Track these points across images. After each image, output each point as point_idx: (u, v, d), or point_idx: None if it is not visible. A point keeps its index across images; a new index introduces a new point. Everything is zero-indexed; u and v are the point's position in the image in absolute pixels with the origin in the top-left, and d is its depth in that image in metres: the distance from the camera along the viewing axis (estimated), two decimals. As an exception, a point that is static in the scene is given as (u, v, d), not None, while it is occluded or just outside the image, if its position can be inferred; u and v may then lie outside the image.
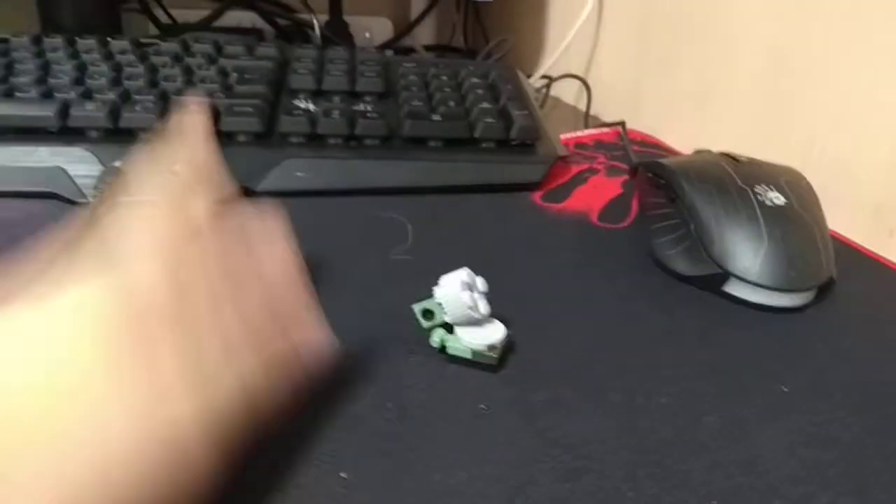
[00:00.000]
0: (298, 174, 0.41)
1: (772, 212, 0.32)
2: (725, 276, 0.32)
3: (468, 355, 0.26)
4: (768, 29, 0.46)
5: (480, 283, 0.27)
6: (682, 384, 0.26)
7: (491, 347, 0.26)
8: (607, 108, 0.62)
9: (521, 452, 0.22)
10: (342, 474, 0.21)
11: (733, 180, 0.34)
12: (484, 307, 0.26)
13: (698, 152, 0.40)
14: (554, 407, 0.25)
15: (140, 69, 0.45)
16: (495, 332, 0.26)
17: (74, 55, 0.47)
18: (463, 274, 0.26)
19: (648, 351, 0.28)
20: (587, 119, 0.60)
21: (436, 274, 0.27)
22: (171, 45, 0.50)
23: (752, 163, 0.36)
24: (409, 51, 0.76)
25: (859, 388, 0.27)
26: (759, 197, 0.33)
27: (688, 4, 0.53)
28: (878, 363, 0.29)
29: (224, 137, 0.41)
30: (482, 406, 0.24)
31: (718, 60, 0.51)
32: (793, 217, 0.32)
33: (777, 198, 0.33)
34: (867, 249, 0.39)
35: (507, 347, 0.27)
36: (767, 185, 0.33)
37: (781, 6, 0.45)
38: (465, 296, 0.26)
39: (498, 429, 0.23)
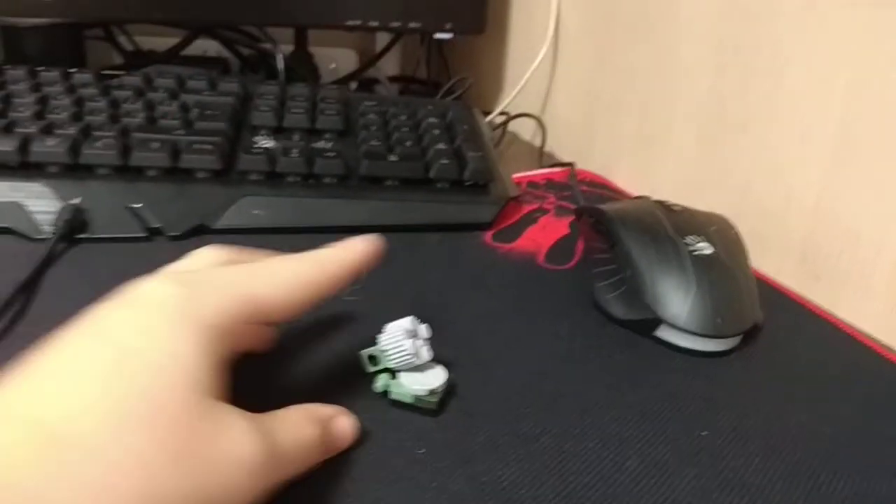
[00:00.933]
0: (256, 212, 0.42)
1: (700, 261, 0.34)
2: (657, 321, 0.34)
3: (410, 400, 0.27)
4: (706, 79, 0.49)
5: (424, 329, 0.28)
6: (610, 427, 0.28)
7: (431, 392, 0.27)
8: (562, 146, 0.64)
9: (451, 498, 0.24)
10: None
11: (666, 229, 0.36)
12: (426, 353, 0.28)
13: (637, 198, 0.42)
14: (489, 452, 0.26)
15: (102, 104, 0.46)
16: (436, 378, 0.28)
17: (36, 88, 0.48)
18: (406, 322, 0.28)
19: (583, 393, 0.30)
20: (542, 156, 0.62)
21: (386, 315, 0.28)
22: (134, 79, 0.51)
23: (685, 212, 0.38)
24: (374, 82, 0.77)
25: (775, 433, 0.29)
26: (688, 247, 0.35)
27: (633, 52, 0.55)
28: (795, 408, 0.31)
29: (182, 174, 0.42)
30: (420, 451, 0.26)
31: (660, 107, 0.53)
32: (720, 267, 0.34)
33: (706, 248, 0.35)
34: (795, 294, 0.41)
35: (449, 391, 0.28)
36: (697, 235, 0.35)
37: (718, 59, 0.48)
38: (408, 343, 0.27)
39: (431, 473, 0.25)
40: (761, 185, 0.45)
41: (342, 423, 0.25)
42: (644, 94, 0.55)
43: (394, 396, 0.27)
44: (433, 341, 0.28)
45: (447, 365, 0.28)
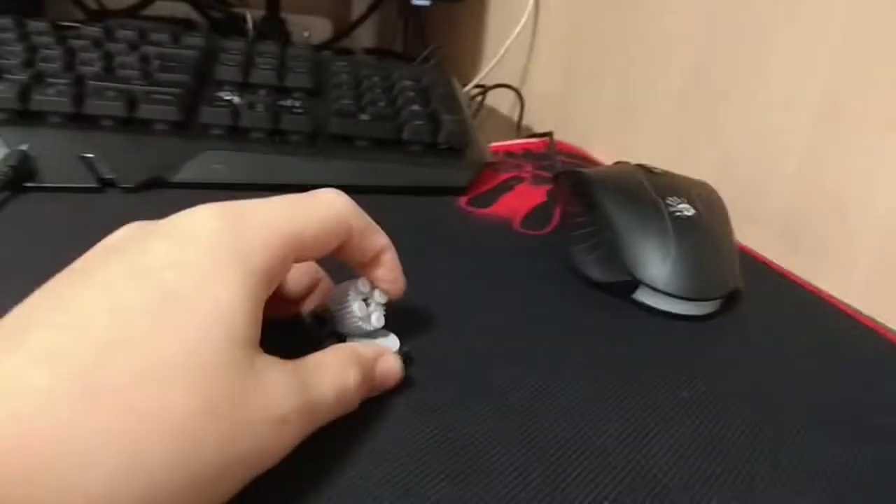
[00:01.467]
0: (216, 166, 0.40)
1: (681, 223, 0.33)
2: (636, 283, 0.32)
3: None
4: (688, 48, 0.48)
5: (377, 294, 0.26)
6: (586, 388, 0.27)
7: None
8: (540, 119, 0.63)
9: (416, 451, 0.22)
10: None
11: (647, 191, 0.34)
12: (376, 320, 0.25)
13: (617, 163, 0.41)
14: (453, 408, 0.24)
15: (56, 52, 0.44)
16: (386, 346, 0.26)
17: (-14, 34, 0.45)
18: (358, 283, 0.25)
19: (556, 354, 0.28)
20: (519, 128, 0.61)
21: (347, 277, 0.26)
22: (93, 30, 0.48)
23: (667, 175, 0.36)
24: (347, 52, 0.75)
25: (754, 396, 0.28)
26: (670, 208, 0.33)
27: (616, 22, 0.54)
28: (776, 373, 0.29)
29: (140, 125, 0.40)
30: (385, 403, 0.24)
31: (642, 77, 0.52)
32: (701, 229, 0.33)
33: (687, 209, 0.33)
34: (774, 264, 0.40)
35: (407, 356, 0.26)
36: (679, 197, 0.34)
37: (701, 28, 0.46)
38: (356, 306, 0.25)
39: (393, 429, 0.23)
40: (743, 154, 0.44)
41: (387, 363, 0.24)
42: (625, 63, 0.54)
43: None
44: (398, 305, 0.26)
45: (415, 325, 0.27)
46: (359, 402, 0.23)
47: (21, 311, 0.17)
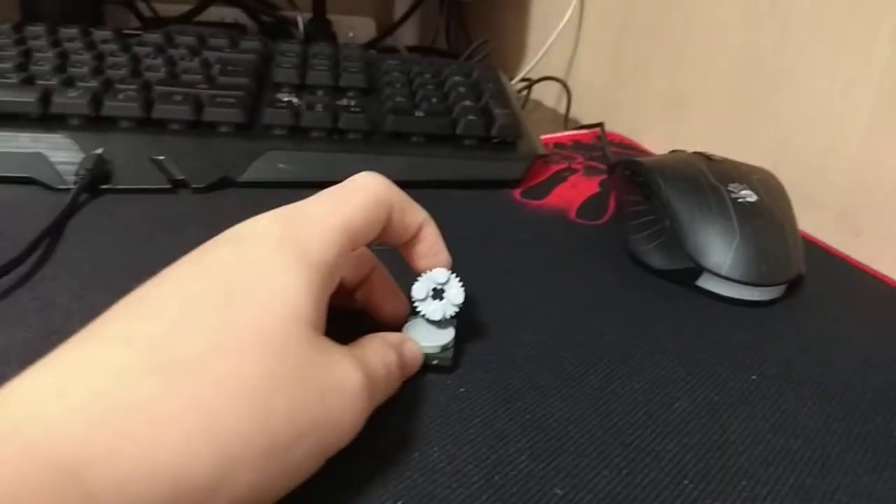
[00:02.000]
0: (281, 166, 0.41)
1: (744, 209, 0.33)
2: (699, 270, 0.33)
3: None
4: (741, 34, 0.47)
5: (455, 294, 0.25)
6: (654, 371, 0.27)
7: (443, 349, 0.25)
8: (586, 111, 0.63)
9: (498, 433, 0.23)
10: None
11: (707, 178, 0.35)
12: (441, 313, 0.25)
13: (673, 152, 0.41)
14: (530, 391, 0.25)
15: (123, 59, 0.45)
16: (446, 334, 0.26)
17: (56, 43, 0.47)
18: (438, 275, 0.25)
19: (622, 341, 0.29)
20: (567, 121, 0.61)
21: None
22: (155, 37, 0.50)
23: (726, 162, 0.37)
24: (392, 51, 0.76)
25: (825, 379, 0.28)
26: (731, 194, 0.33)
27: (664, 11, 0.54)
28: (844, 356, 0.29)
29: (205, 128, 0.41)
30: (461, 389, 0.25)
31: (693, 64, 0.52)
32: (764, 214, 0.33)
33: (749, 195, 0.34)
34: (834, 249, 0.40)
35: (461, 347, 0.27)
36: (740, 183, 0.34)
37: (754, 13, 0.46)
38: (427, 301, 0.25)
39: (475, 411, 0.24)
40: (799, 141, 0.44)
41: (410, 347, 0.25)
42: (674, 53, 0.54)
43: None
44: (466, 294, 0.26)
45: (481, 316, 0.27)
46: (401, 382, 0.24)
47: (105, 313, 0.19)
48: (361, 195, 0.23)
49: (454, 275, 0.25)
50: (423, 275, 0.26)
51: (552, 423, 0.24)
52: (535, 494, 0.21)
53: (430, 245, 0.26)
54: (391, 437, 0.22)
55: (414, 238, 0.26)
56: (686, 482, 0.22)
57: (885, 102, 0.38)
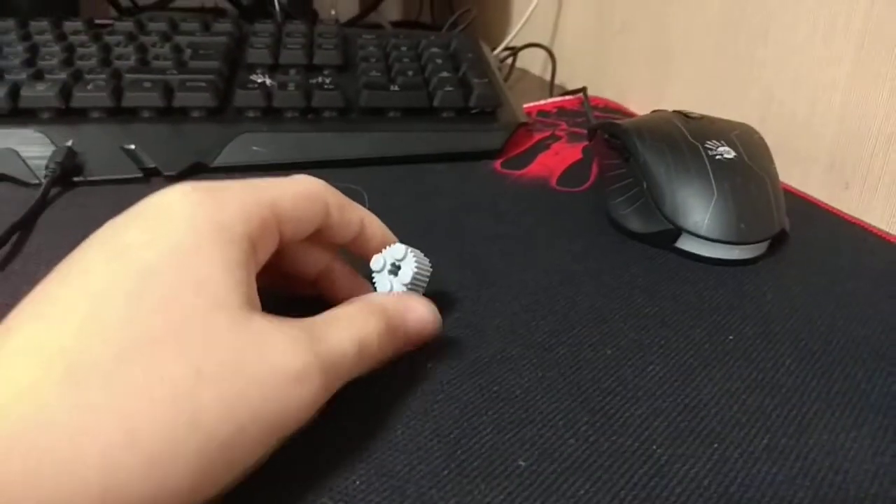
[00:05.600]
0: (255, 148, 0.40)
1: (722, 166, 0.32)
2: (677, 232, 0.32)
3: None
4: (725, -12, 0.46)
5: (409, 272, 0.24)
6: (629, 336, 0.26)
7: None
8: (573, 77, 0.62)
9: (463, 406, 0.22)
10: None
11: (685, 137, 0.34)
12: (388, 287, 0.24)
13: (654, 112, 0.40)
14: (499, 362, 0.25)
15: (93, 49, 0.45)
16: None
17: (26, 37, 0.46)
18: (397, 251, 0.25)
19: (598, 306, 0.28)
20: (552, 88, 0.60)
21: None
22: (126, 25, 0.49)
23: (704, 119, 0.36)
24: (376, 27, 0.75)
25: (806, 336, 0.27)
26: (709, 152, 0.33)
27: (647, -33, 0.53)
28: (828, 312, 0.29)
29: (177, 114, 0.41)
30: (429, 364, 0.24)
31: (677, 23, 0.51)
32: (743, 171, 0.32)
33: (727, 152, 0.33)
34: (823, 203, 0.39)
35: (454, 308, 0.27)
36: (718, 140, 0.33)
37: (737, -36, 0.45)
38: (384, 278, 0.25)
39: (441, 385, 0.23)
40: (785, 93, 0.43)
41: (417, 311, 0.23)
42: (658, 10, 0.52)
43: None
44: (437, 270, 0.26)
45: (456, 287, 0.26)
46: (390, 355, 0.22)
47: (9, 315, 0.17)
48: (292, 183, 0.22)
49: (412, 254, 0.25)
50: (386, 248, 0.25)
51: (519, 393, 0.23)
52: (498, 467, 0.20)
53: (380, 239, 0.25)
54: (353, 414, 0.22)
55: (361, 235, 0.25)
56: (655, 447, 0.21)
57: (867, 47, 0.37)
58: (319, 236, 0.24)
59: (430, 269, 0.25)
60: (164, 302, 0.17)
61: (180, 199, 0.19)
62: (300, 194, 0.22)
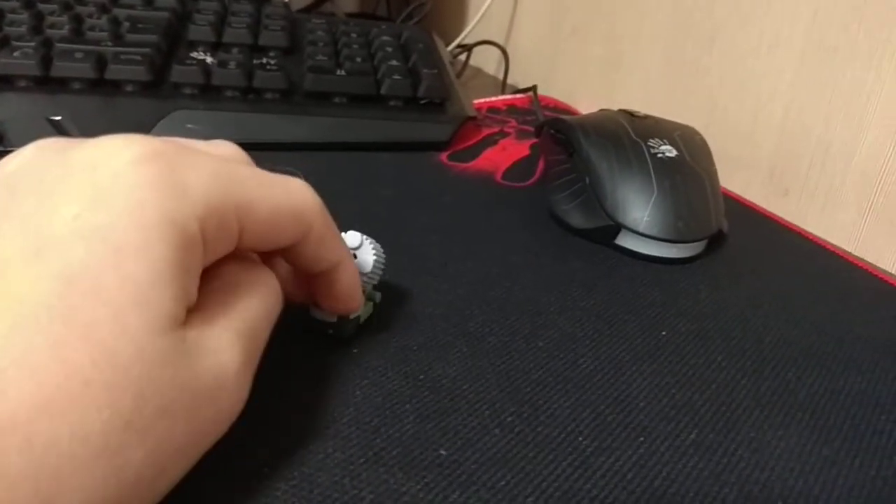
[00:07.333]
0: (189, 126, 0.39)
1: (663, 164, 0.32)
2: (617, 228, 0.32)
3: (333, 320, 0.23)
4: (676, -7, 0.46)
5: (369, 260, 0.24)
6: (562, 329, 0.26)
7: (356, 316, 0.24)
8: (526, 77, 0.62)
9: (387, 394, 0.22)
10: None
11: (628, 134, 0.33)
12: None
13: (601, 111, 0.40)
14: (429, 350, 0.24)
15: (24, 16, 0.42)
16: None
17: (-50, 0, 0.44)
18: (353, 239, 0.24)
19: (533, 299, 0.28)
20: (504, 86, 0.60)
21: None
22: (62, -6, 0.47)
23: (649, 119, 0.36)
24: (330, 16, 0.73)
25: (738, 335, 0.27)
26: (651, 150, 0.32)
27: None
28: (761, 312, 0.29)
29: (110, 87, 0.39)
30: (355, 350, 0.23)
31: (628, 28, 0.51)
32: (683, 169, 0.32)
33: (669, 151, 0.33)
34: (763, 208, 0.39)
35: (387, 296, 0.26)
36: (661, 139, 0.33)
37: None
38: None
39: (366, 372, 0.22)
40: (728, 101, 0.43)
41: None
42: (610, 15, 0.52)
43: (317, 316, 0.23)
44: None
45: (392, 276, 0.26)
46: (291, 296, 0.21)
47: None
48: (283, 192, 0.19)
49: (369, 242, 0.24)
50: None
51: (446, 382, 0.22)
52: (418, 457, 0.19)
53: (345, 294, 0.22)
54: (273, 400, 0.21)
55: (324, 276, 0.21)
56: (581, 439, 0.21)
57: (809, 59, 0.38)
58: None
59: (385, 257, 0.24)
60: (92, 327, 0.14)
61: (132, 170, 0.16)
62: (283, 210, 0.19)
